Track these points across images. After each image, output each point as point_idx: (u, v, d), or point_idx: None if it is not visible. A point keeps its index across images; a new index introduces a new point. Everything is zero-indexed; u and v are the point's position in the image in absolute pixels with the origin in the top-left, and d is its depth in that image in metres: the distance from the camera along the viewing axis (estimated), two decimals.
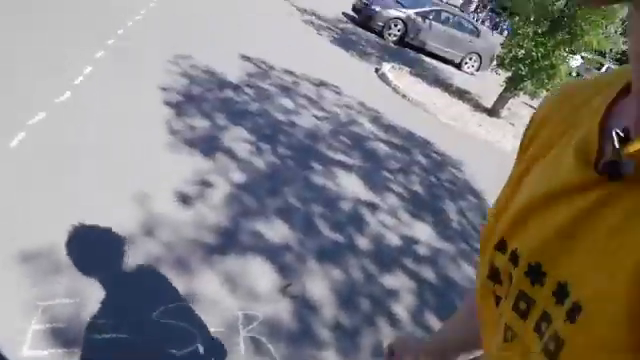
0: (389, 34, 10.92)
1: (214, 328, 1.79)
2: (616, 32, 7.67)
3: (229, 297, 1.96)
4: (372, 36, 11.03)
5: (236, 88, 4.29)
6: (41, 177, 2.17)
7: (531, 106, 9.63)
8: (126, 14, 4.92)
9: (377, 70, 7.58)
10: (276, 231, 2.49)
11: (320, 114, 4.61)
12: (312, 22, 9.90)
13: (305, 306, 2.08)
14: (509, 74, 7.70)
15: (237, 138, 3.33)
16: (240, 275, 2.10)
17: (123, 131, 2.81)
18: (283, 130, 3.82)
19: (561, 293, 0.40)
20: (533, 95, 7.85)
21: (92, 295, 1.70)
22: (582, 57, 8.62)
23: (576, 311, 0.37)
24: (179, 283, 1.93)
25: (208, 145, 3.07)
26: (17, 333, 1.49)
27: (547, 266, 0.43)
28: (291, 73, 5.46)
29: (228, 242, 2.28)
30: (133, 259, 1.95)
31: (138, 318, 1.70)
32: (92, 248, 1.91)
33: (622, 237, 0.36)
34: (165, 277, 1.93)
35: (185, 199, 2.45)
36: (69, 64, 3.31)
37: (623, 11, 7.51)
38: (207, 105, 3.68)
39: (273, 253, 2.31)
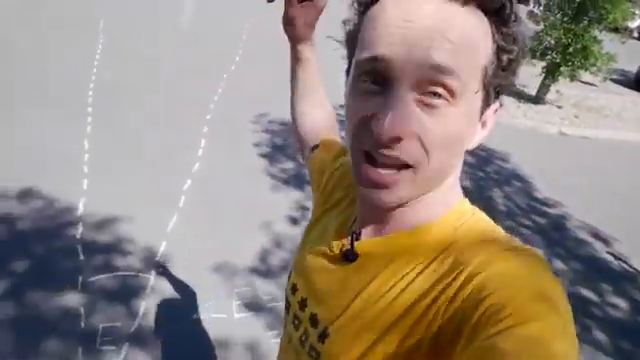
0: None
1: None
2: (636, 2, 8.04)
3: None
4: None
5: None
6: (205, 224, 3.38)
7: (582, 82, 9.62)
8: (209, 90, 6.24)
9: None
10: None
11: None
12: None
13: None
14: (544, 63, 8.13)
15: None
16: None
17: (241, 183, 4.01)
18: None
19: (313, 320, 0.63)
20: (572, 78, 8.22)
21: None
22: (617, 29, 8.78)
23: (324, 335, 0.61)
24: None
25: (297, 180, 4.20)
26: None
27: (308, 300, 0.67)
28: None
29: None
30: (271, 262, 3.08)
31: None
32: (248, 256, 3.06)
33: (350, 297, 0.60)
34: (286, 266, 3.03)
35: (294, 220, 3.57)
36: (191, 141, 4.60)
37: None
38: (288, 150, 4.83)
39: None
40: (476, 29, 0.52)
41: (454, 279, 0.52)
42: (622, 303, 3.43)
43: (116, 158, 4.02)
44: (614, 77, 11.59)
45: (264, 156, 4.60)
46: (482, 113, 0.57)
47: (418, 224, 0.60)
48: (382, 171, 0.53)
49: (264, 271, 3.00)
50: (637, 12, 8.39)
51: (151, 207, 3.42)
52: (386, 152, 0.52)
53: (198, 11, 10.52)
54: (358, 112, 0.55)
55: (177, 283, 2.76)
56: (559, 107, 8.37)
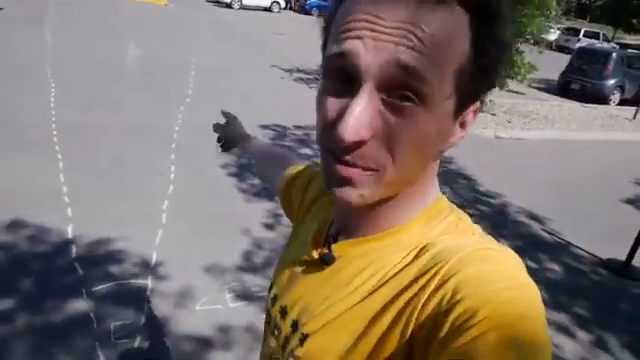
0: None
1: None
2: (549, 17, 9.20)
3: None
4: None
5: None
6: (189, 235, 3.69)
7: (512, 91, 10.90)
8: (170, 121, 6.56)
9: None
10: None
11: None
12: (301, 78, 11.47)
13: None
14: None
15: None
16: None
17: (216, 199, 4.36)
18: None
19: (294, 327, 0.64)
20: (502, 87, 9.19)
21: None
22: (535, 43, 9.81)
23: (304, 339, 0.61)
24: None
25: (268, 193, 4.59)
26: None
27: (288, 308, 0.67)
28: (301, 127, 7.03)
29: None
30: (255, 261, 3.43)
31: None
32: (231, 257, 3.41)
33: (329, 299, 0.60)
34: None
35: (270, 226, 3.95)
36: (161, 168, 4.90)
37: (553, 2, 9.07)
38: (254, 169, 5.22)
39: None
40: (451, 28, 0.49)
41: (429, 280, 0.51)
42: (557, 267, 4.02)
43: (94, 188, 4.27)
44: (541, 86, 13.00)
45: (232, 175, 4.97)
46: (458, 116, 0.54)
47: (395, 224, 0.59)
48: (349, 168, 0.52)
49: (250, 268, 3.36)
50: (553, 26, 9.48)
51: (136, 226, 3.70)
52: (348, 157, 0.51)
53: (144, 51, 10.84)
54: (325, 112, 0.53)
55: (173, 285, 3.07)
56: (493, 114, 9.24)
